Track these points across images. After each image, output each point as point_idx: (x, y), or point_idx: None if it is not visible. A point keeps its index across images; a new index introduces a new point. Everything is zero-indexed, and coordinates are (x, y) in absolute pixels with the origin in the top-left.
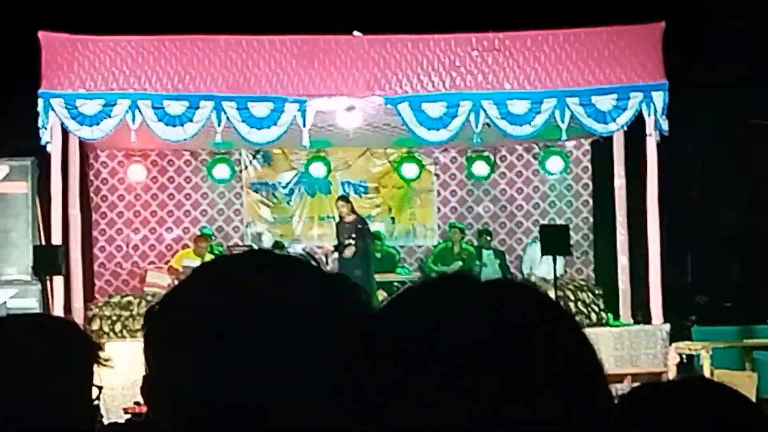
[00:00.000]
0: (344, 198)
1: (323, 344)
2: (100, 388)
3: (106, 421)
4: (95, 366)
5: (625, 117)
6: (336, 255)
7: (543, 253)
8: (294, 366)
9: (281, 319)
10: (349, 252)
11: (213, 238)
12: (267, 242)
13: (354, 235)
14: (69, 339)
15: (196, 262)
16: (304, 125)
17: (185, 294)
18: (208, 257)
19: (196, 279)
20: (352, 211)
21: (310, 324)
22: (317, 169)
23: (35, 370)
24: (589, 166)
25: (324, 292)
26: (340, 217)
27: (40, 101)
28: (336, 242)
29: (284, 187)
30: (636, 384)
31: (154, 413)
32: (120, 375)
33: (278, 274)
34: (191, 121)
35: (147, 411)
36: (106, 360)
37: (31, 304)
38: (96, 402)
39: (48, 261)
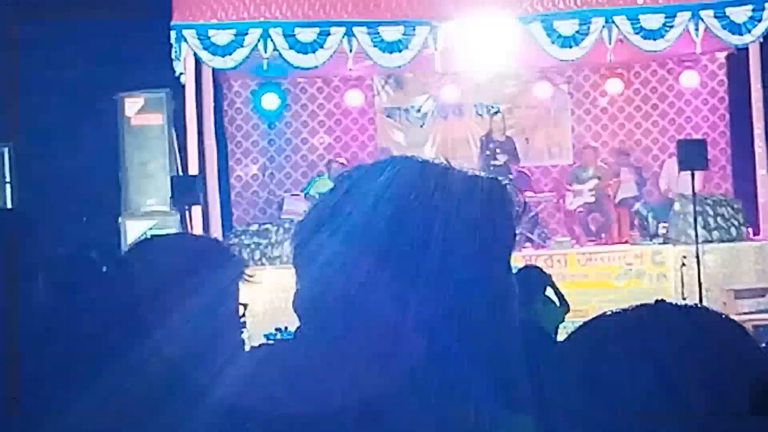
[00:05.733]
0: (499, 113)
1: None
2: (245, 305)
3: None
4: (241, 283)
5: (761, 28)
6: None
7: (680, 169)
8: None
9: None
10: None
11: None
12: None
13: (502, 152)
14: (215, 256)
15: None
16: (436, 48)
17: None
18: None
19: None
20: (504, 129)
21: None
22: (449, 92)
23: (185, 287)
24: (725, 80)
25: None
26: (489, 134)
27: (173, 33)
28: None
29: (417, 111)
30: None
31: (304, 324)
32: (260, 301)
33: None
34: (322, 47)
35: (298, 325)
36: (251, 276)
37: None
38: (242, 319)
39: (186, 191)
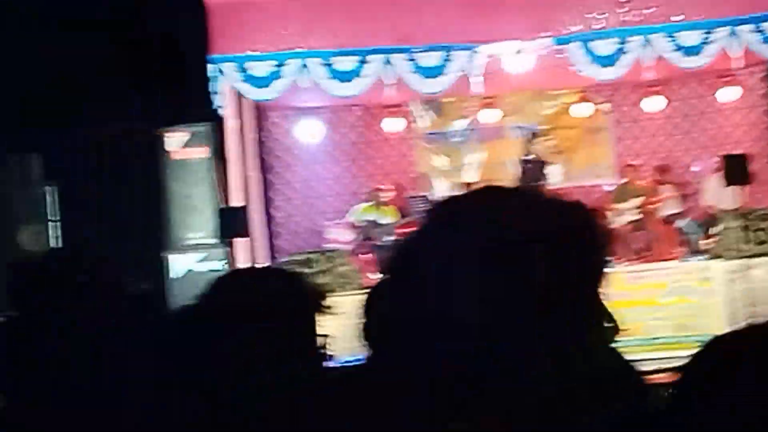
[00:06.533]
0: (536, 135)
1: None
2: (325, 336)
3: None
4: (319, 315)
5: None
6: None
7: (724, 184)
8: None
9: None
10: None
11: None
12: (440, 189)
13: (538, 175)
14: (294, 289)
15: (375, 216)
16: (474, 73)
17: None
18: (389, 210)
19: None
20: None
21: None
22: (489, 116)
23: (267, 322)
24: (765, 93)
25: None
26: (528, 155)
27: (211, 66)
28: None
29: (456, 136)
30: None
31: (374, 352)
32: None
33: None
34: (360, 75)
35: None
36: (329, 308)
37: (216, 266)
38: (323, 351)
39: (232, 223)
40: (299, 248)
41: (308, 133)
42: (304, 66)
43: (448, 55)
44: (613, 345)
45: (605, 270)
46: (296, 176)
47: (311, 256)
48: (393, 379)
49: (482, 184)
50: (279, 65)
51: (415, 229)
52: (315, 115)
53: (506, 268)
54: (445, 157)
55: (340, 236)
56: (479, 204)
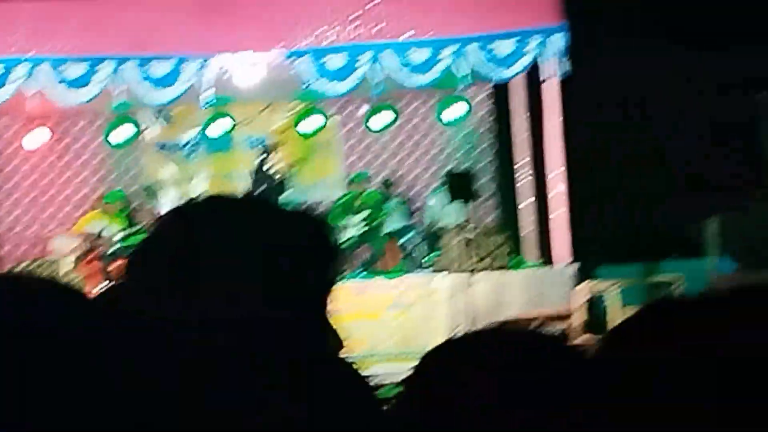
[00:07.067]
0: (267, 149)
1: None
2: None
3: None
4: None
5: (525, 61)
6: None
7: (449, 200)
8: None
9: None
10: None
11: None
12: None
13: (273, 186)
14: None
15: (102, 225)
16: (205, 83)
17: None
18: (118, 219)
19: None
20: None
21: None
22: (218, 127)
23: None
24: (491, 112)
25: None
26: (259, 167)
27: None
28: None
29: (185, 146)
30: (545, 326)
31: None
32: None
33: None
34: (90, 83)
35: None
36: None
37: None
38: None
39: None
40: (24, 257)
41: (35, 140)
42: (32, 72)
43: (180, 65)
44: (340, 358)
45: (332, 282)
46: (23, 184)
47: (33, 265)
48: None
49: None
50: (6, 71)
51: (142, 238)
52: (42, 121)
53: (231, 278)
54: (175, 167)
55: (65, 246)
56: (204, 215)
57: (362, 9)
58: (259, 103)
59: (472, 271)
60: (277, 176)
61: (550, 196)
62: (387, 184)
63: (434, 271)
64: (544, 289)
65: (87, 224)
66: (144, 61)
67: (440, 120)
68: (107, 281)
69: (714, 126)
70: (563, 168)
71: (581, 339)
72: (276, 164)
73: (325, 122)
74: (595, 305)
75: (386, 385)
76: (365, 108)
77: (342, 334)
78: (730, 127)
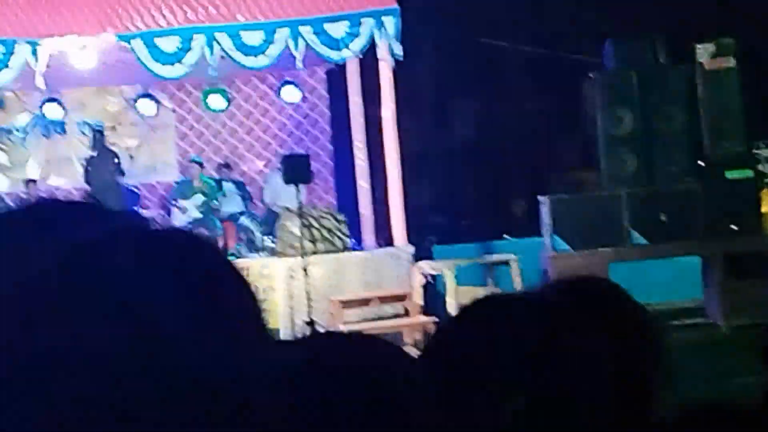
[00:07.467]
0: (101, 131)
1: None
2: None
3: None
4: None
5: (359, 43)
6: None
7: (285, 182)
8: None
9: None
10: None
11: None
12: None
13: (108, 170)
14: None
15: None
16: (38, 67)
17: None
18: None
19: None
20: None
21: None
22: (52, 111)
23: None
24: (326, 94)
25: None
26: (93, 152)
27: None
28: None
29: (18, 131)
30: (384, 305)
31: None
32: None
33: None
34: None
35: None
36: None
37: None
38: None
39: None
40: None
41: None
42: None
43: (11, 48)
44: None
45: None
46: None
47: None
48: None
49: (45, 181)
50: None
51: None
52: None
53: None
54: (8, 153)
55: None
56: (30, 220)
57: None
58: (93, 88)
59: (311, 253)
60: (112, 160)
61: (387, 178)
62: (224, 166)
63: (272, 254)
64: (382, 271)
65: None
66: None
67: (279, 101)
68: None
69: (545, 110)
70: (398, 151)
71: (418, 320)
72: (112, 148)
73: (159, 106)
74: (432, 286)
75: None
76: (201, 91)
77: None
78: (561, 111)
